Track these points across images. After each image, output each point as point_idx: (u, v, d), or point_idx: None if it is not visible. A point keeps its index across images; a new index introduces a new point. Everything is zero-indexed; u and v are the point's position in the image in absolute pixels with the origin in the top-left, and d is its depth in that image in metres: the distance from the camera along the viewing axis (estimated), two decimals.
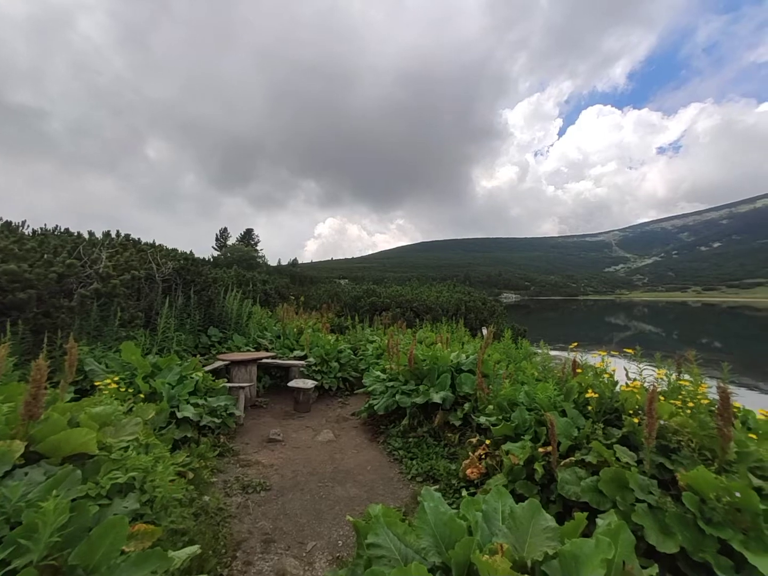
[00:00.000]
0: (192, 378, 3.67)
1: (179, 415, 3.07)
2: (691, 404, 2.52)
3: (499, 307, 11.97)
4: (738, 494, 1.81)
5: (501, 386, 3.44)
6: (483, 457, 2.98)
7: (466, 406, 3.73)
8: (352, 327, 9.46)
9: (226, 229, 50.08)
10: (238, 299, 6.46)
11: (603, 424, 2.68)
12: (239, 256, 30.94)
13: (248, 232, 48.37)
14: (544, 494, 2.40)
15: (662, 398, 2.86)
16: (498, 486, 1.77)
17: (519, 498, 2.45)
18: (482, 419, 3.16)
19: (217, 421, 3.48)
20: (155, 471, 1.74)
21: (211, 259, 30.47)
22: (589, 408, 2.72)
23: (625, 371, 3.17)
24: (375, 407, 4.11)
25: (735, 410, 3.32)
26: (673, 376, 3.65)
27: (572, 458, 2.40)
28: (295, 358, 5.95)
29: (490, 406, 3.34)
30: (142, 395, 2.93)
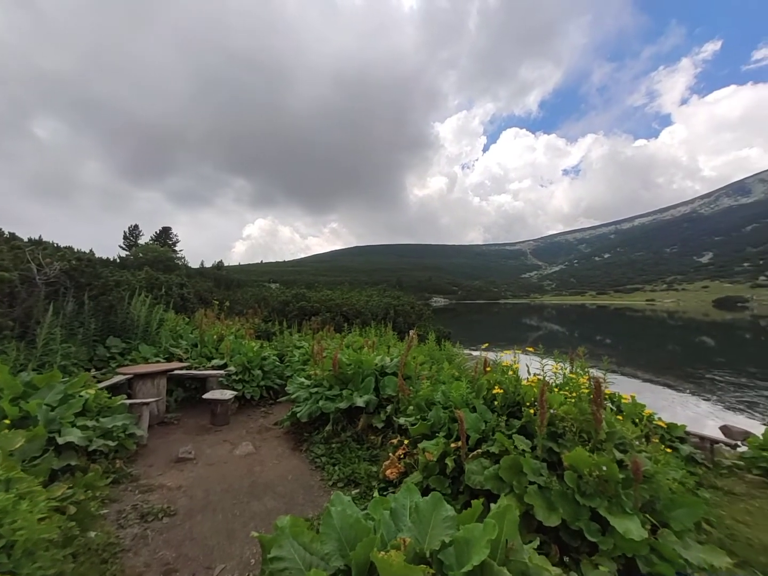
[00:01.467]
0: (80, 396, 3.20)
1: (60, 440, 2.64)
2: (574, 394, 2.90)
3: (426, 310, 12.52)
4: (604, 468, 2.14)
5: (421, 387, 3.60)
6: (402, 456, 3.08)
7: (389, 408, 3.83)
8: (280, 333, 9.12)
9: (137, 226, 44.76)
10: (147, 305, 5.81)
11: (507, 416, 2.95)
12: (154, 257, 27.86)
13: (165, 231, 43.86)
14: (455, 486, 2.57)
15: (556, 390, 3.25)
16: (408, 483, 1.84)
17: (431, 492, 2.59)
18: (402, 420, 3.27)
19: (111, 444, 3.07)
20: (18, 510, 1.48)
21: (118, 260, 26.98)
22: (496, 403, 2.99)
23: (527, 368, 3.55)
24: (298, 415, 4.00)
25: (609, 396, 3.91)
26: (567, 370, 4.16)
27: (479, 450, 2.60)
28: (214, 367, 5.53)
29: (411, 407, 3.48)
30: (8, 421, 2.46)
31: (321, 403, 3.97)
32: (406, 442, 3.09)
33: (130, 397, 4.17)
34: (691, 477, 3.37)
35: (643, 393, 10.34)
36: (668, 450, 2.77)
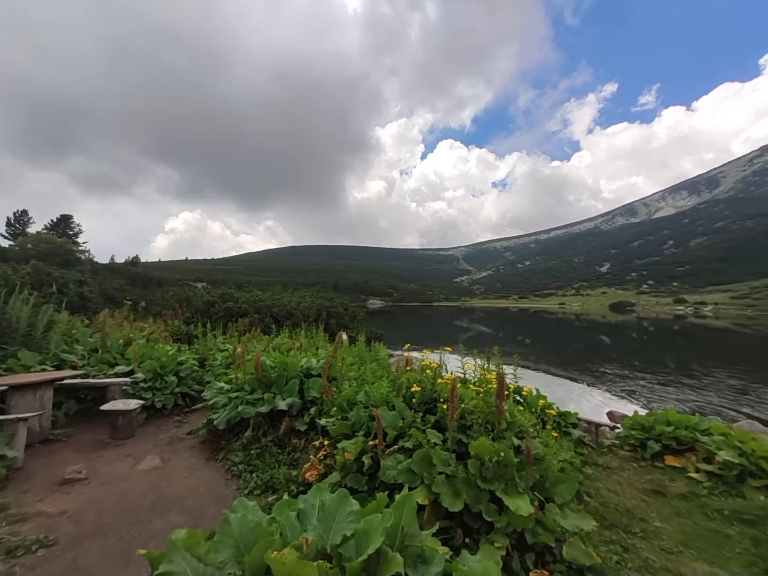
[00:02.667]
0: None
1: None
2: (484, 389, 3.16)
3: (360, 312, 12.62)
4: (503, 454, 2.37)
5: (344, 388, 3.63)
6: (323, 458, 3.07)
7: (313, 410, 3.79)
8: (203, 335, 8.49)
9: (25, 212, 38.22)
10: (31, 304, 4.99)
11: (424, 413, 3.11)
12: (47, 248, 23.99)
13: (64, 219, 38.07)
14: (372, 483, 2.63)
15: (471, 386, 3.51)
16: (318, 483, 1.85)
17: (350, 491, 2.63)
18: (323, 421, 3.26)
19: None
20: None
21: None
22: (414, 400, 3.13)
23: (444, 365, 3.78)
24: (215, 422, 3.76)
25: (515, 389, 4.32)
26: (484, 368, 4.48)
27: (396, 447, 2.70)
28: (117, 374, 4.95)
29: (334, 408, 3.49)
30: None
31: (241, 408, 3.78)
32: (326, 443, 3.09)
33: (3, 412, 3.55)
34: (579, 457, 3.88)
35: (551, 386, 11.62)
36: (555, 434, 3.15)
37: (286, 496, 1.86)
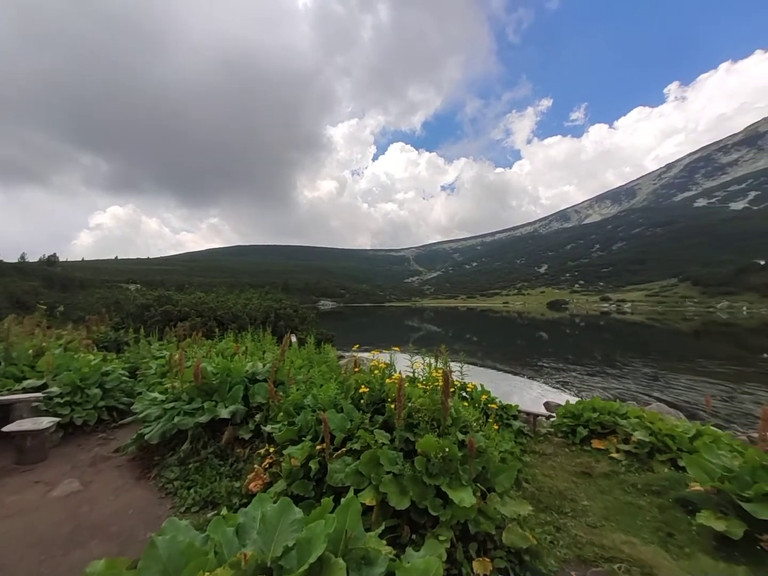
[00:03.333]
0: None
1: None
2: (430, 387, 3.25)
3: (310, 314, 12.36)
4: (447, 449, 2.45)
5: (292, 392, 3.52)
6: (269, 466, 2.95)
7: (258, 416, 3.63)
8: (135, 342, 7.77)
9: None
10: None
11: (372, 413, 3.12)
12: None
13: None
14: (319, 488, 2.58)
15: (419, 384, 3.58)
16: (260, 494, 1.77)
17: (297, 498, 2.55)
18: (269, 428, 3.14)
19: None
20: None
21: None
22: (362, 401, 3.13)
23: (393, 365, 3.82)
24: (147, 436, 3.45)
25: (461, 386, 4.49)
26: (431, 366, 4.59)
27: (344, 449, 2.68)
28: (26, 390, 4.35)
29: (281, 413, 3.37)
30: None
31: (178, 419, 3.51)
32: (272, 450, 2.98)
33: None
34: (518, 446, 4.13)
35: (495, 381, 12.28)
36: (496, 427, 3.32)
37: (225, 511, 1.76)
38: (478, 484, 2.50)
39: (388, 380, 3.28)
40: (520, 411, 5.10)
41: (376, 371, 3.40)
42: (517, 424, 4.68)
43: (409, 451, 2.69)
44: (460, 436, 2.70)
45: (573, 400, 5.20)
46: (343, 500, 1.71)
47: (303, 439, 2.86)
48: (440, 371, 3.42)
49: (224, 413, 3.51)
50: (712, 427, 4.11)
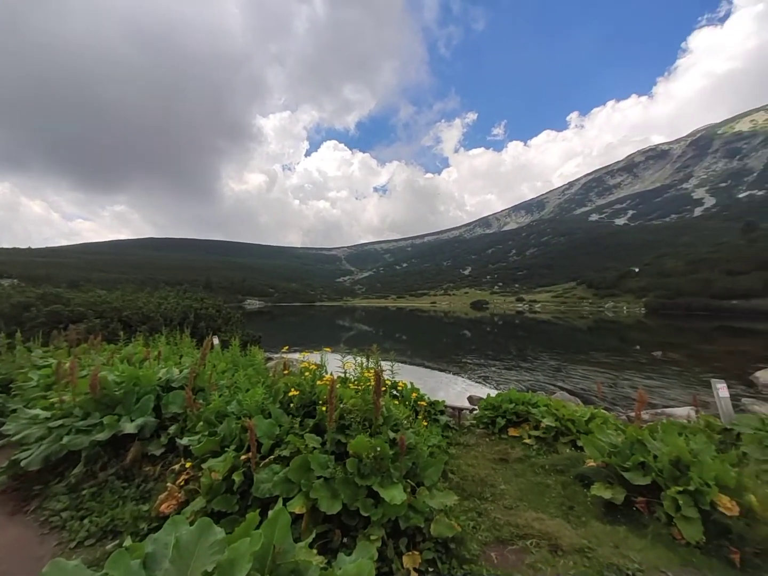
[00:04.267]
0: None
1: None
2: (362, 387, 3.24)
3: (235, 314, 11.55)
4: (379, 449, 2.46)
5: (213, 399, 3.24)
6: (185, 483, 2.67)
7: (173, 428, 3.27)
8: (9, 349, 6.46)
9: None
10: None
11: (302, 417, 3.01)
12: None
13: None
14: (245, 501, 2.41)
15: (351, 385, 3.55)
16: (173, 517, 1.58)
17: (219, 516, 2.35)
18: (185, 440, 2.84)
19: None
20: None
21: None
22: (292, 405, 3.00)
23: (325, 366, 3.74)
24: (24, 462, 2.88)
25: (392, 384, 4.58)
26: (363, 366, 4.58)
27: (272, 457, 2.54)
28: None
29: (200, 423, 3.07)
30: None
31: (67, 439, 2.99)
32: (189, 465, 2.70)
33: None
34: (445, 440, 4.35)
35: (424, 378, 12.80)
36: (425, 423, 3.46)
37: (129, 541, 1.53)
38: (409, 480, 2.56)
39: (319, 382, 3.20)
40: (446, 406, 5.38)
41: (306, 373, 3.29)
42: (444, 418, 4.92)
43: (341, 453, 2.65)
44: (392, 435, 2.74)
45: (493, 393, 5.64)
46: (270, 512, 1.61)
47: (226, 449, 2.64)
48: (372, 371, 3.44)
49: (130, 428, 3.08)
50: (602, 410, 4.79)
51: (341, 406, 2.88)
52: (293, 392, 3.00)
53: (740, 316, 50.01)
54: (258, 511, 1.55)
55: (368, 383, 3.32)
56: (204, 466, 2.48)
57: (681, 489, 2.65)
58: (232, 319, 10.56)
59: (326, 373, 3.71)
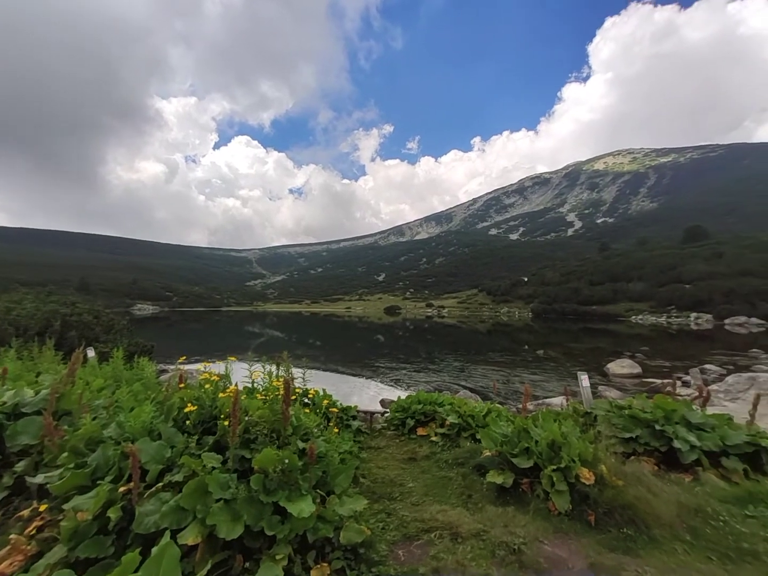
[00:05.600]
0: None
1: None
2: (270, 396, 3.07)
3: (121, 321, 9.93)
4: (287, 461, 2.35)
5: (83, 423, 2.71)
6: (37, 531, 2.17)
7: (22, 465, 2.63)
8: None
9: None
10: None
11: (201, 434, 2.72)
12: None
13: None
14: (122, 542, 2.05)
15: (258, 395, 3.33)
16: None
17: (87, 564, 1.96)
18: (40, 477, 2.32)
19: None
20: None
21: None
22: (188, 422, 2.69)
23: (227, 376, 3.45)
24: None
25: (302, 392, 4.44)
26: (272, 374, 4.35)
27: (160, 484, 2.23)
28: None
29: (64, 454, 2.54)
30: None
31: None
32: (43, 508, 2.20)
33: None
34: (357, 445, 4.37)
35: (337, 384, 12.72)
36: (336, 430, 3.43)
37: None
38: (319, 490, 2.50)
39: (221, 394, 2.93)
40: (358, 411, 5.41)
41: (207, 385, 2.99)
42: (356, 423, 4.94)
43: (245, 470, 2.46)
44: (301, 444, 2.65)
45: (404, 395, 5.87)
46: (154, 549, 1.41)
47: (99, 482, 2.23)
48: (281, 379, 3.28)
49: None
50: (497, 405, 5.36)
51: (246, 419, 2.68)
52: (190, 407, 2.69)
53: (597, 319, 61.33)
54: (139, 550, 1.34)
55: (277, 392, 3.16)
56: (66, 506, 2.05)
57: (555, 467, 3.10)
58: (115, 326, 9.01)
59: (231, 384, 3.43)
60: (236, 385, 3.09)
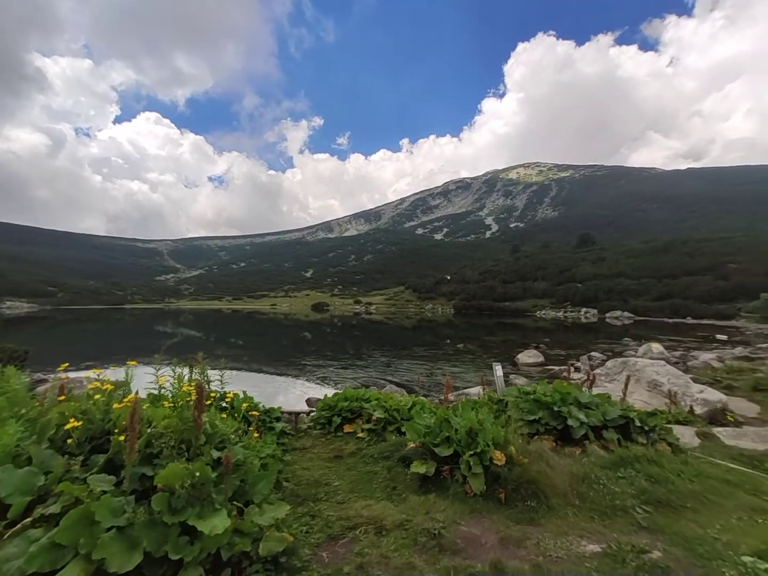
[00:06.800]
0: None
1: None
2: (180, 403, 2.76)
3: None
4: (198, 474, 2.13)
5: None
6: None
7: None
8: None
9: None
10: None
11: (90, 454, 2.33)
12: None
13: None
14: None
15: (166, 403, 2.97)
16: None
17: None
18: None
19: None
20: None
21: None
22: (70, 441, 2.27)
23: (127, 383, 3.02)
24: None
25: (219, 396, 4.11)
26: (183, 378, 3.93)
27: (29, 519, 1.84)
28: None
29: None
30: None
31: None
32: None
33: None
34: (280, 447, 4.17)
35: (261, 384, 12.08)
36: (257, 435, 3.24)
37: None
38: (236, 502, 2.31)
39: (116, 405, 2.54)
40: (283, 412, 5.18)
41: (98, 396, 2.56)
42: (279, 425, 4.72)
43: (146, 490, 2.17)
44: (216, 454, 2.43)
45: (331, 392, 5.78)
46: None
47: None
48: (194, 383, 2.97)
49: None
50: (421, 398, 5.58)
51: (149, 431, 2.36)
52: (73, 423, 2.27)
53: (509, 314, 68.04)
54: None
55: (189, 398, 2.86)
56: None
57: (472, 452, 3.33)
58: None
59: (131, 392, 3.00)
60: (137, 393, 2.70)
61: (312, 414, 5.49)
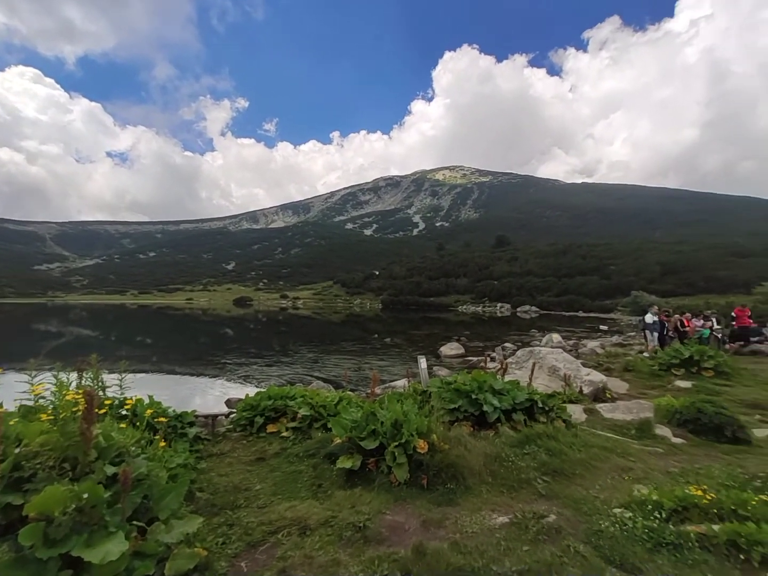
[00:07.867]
0: None
1: None
2: (64, 415, 2.35)
3: None
4: (86, 495, 1.83)
5: None
6: None
7: None
8: None
9: None
10: None
11: None
12: None
13: None
14: None
15: (43, 416, 2.50)
16: None
17: None
18: None
19: None
20: None
21: None
22: None
23: None
24: None
25: (114, 403, 3.61)
26: (72, 386, 3.38)
27: None
28: None
29: None
30: None
31: None
32: None
33: None
34: (194, 455, 3.82)
35: (173, 387, 10.95)
36: (163, 444, 2.91)
37: None
38: (136, 521, 2.05)
39: None
40: (198, 416, 4.75)
41: None
42: (193, 431, 4.31)
43: (13, 522, 1.80)
44: (111, 470, 2.12)
45: (254, 392, 5.46)
46: None
47: None
48: (77, 392, 2.55)
49: None
50: (348, 393, 5.57)
51: (17, 451, 1.96)
52: None
53: (434, 309, 71.80)
54: None
55: (75, 408, 2.46)
56: None
57: (397, 443, 3.42)
58: None
59: None
60: (1, 405, 2.22)
61: (232, 416, 5.13)
